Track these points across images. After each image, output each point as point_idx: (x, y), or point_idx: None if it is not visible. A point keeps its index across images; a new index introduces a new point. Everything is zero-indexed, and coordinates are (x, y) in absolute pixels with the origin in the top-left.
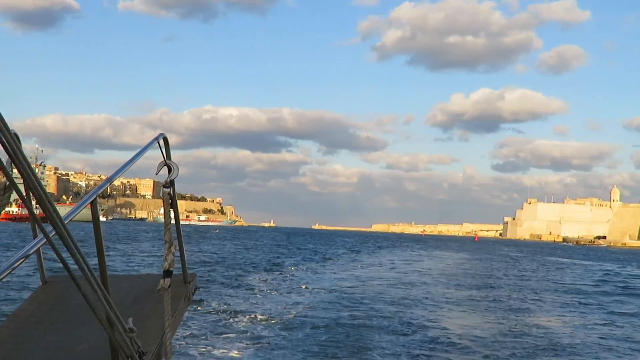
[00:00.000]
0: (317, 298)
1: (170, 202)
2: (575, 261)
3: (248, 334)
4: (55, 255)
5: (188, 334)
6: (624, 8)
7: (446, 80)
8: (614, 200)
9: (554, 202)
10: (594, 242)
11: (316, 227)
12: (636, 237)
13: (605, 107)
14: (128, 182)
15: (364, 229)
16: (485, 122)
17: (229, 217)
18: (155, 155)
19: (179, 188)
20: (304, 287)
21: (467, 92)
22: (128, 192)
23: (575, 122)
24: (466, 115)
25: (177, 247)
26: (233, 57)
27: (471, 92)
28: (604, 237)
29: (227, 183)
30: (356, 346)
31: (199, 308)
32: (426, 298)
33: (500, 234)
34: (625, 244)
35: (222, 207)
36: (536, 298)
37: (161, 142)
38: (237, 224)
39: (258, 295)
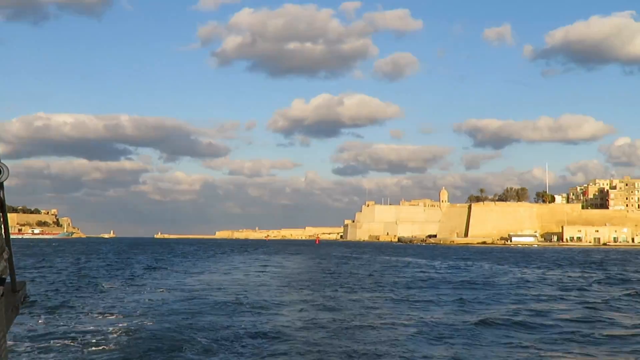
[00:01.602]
0: (152, 306)
1: (0, 206)
2: (398, 258)
3: (73, 347)
4: None
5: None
6: (452, 18)
7: (287, 86)
8: (442, 201)
9: (390, 204)
10: (425, 240)
11: (159, 236)
12: (463, 235)
13: (437, 112)
14: None
15: (208, 236)
16: (326, 127)
17: (65, 229)
18: None
19: (8, 201)
20: (142, 295)
21: (307, 98)
22: None
23: (410, 126)
24: (307, 120)
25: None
26: (66, 62)
27: (311, 98)
28: (435, 236)
29: (62, 193)
30: (180, 350)
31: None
32: (260, 299)
33: (341, 236)
34: (453, 242)
35: (57, 219)
36: (361, 292)
37: None
38: (74, 235)
39: (94, 306)
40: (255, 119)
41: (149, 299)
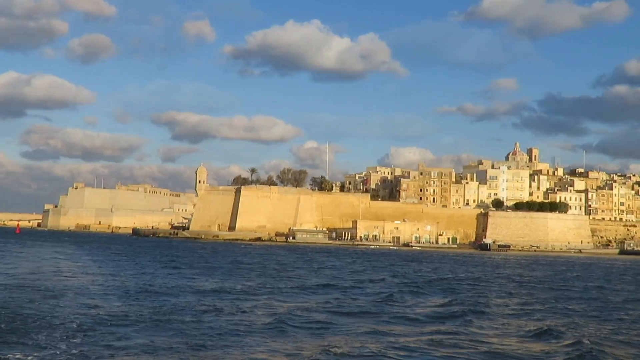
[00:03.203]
0: None
1: None
2: None
3: None
4: None
5: None
6: (150, 8)
7: None
8: (200, 182)
9: (104, 188)
10: (176, 234)
11: None
12: (227, 228)
13: (135, 101)
14: None
15: None
16: (11, 107)
17: None
18: None
19: None
20: None
21: None
22: None
23: (106, 113)
24: None
25: None
26: None
27: None
28: (187, 228)
29: None
30: None
31: None
32: None
33: (39, 224)
34: (217, 236)
35: None
36: None
37: None
38: None
39: None
40: None
41: None
